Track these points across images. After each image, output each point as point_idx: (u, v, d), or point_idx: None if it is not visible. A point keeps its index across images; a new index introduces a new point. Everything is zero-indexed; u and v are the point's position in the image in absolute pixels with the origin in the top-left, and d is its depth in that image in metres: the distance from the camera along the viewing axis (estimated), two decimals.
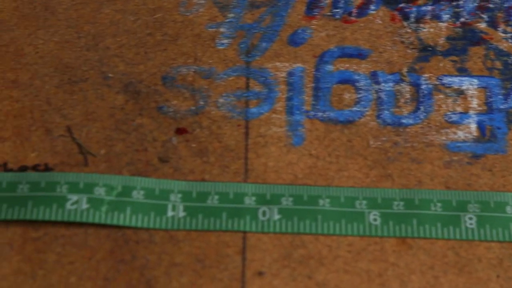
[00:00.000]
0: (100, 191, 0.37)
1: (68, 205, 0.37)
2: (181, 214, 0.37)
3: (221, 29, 0.43)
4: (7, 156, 0.39)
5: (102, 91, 0.41)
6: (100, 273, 0.36)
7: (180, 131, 0.40)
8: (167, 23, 0.44)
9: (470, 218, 0.37)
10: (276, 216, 0.37)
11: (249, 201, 0.38)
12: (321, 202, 0.38)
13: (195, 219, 0.37)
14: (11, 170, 0.38)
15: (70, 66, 0.42)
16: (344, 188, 0.38)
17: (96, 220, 0.37)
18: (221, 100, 0.41)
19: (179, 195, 0.38)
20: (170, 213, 0.37)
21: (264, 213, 0.37)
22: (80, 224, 0.37)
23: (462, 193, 0.38)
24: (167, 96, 0.41)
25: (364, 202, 0.38)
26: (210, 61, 0.42)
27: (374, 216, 0.37)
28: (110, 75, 0.42)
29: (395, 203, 0.38)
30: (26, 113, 0.40)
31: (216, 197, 0.38)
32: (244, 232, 0.37)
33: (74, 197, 0.37)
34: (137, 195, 0.38)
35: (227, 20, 0.44)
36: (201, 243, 0.37)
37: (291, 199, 0.38)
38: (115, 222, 0.37)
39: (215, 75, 0.42)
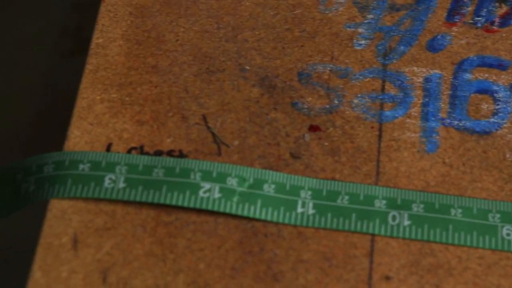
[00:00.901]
0: (232, 182, 0.38)
1: (201, 193, 0.37)
2: (311, 211, 0.37)
3: (360, 30, 0.43)
4: (144, 139, 0.40)
5: (238, 82, 0.42)
6: (228, 262, 0.36)
7: (313, 129, 0.40)
8: (306, 20, 0.44)
9: None
10: (406, 222, 0.37)
11: (379, 204, 0.37)
12: (453, 211, 0.37)
13: (324, 217, 0.37)
14: (147, 153, 0.39)
15: (209, 55, 0.43)
16: (478, 199, 0.38)
17: (227, 210, 0.37)
18: (355, 101, 0.41)
19: (309, 192, 0.38)
20: (299, 210, 0.37)
21: (394, 218, 0.37)
22: (211, 212, 0.37)
23: None
24: (302, 93, 0.41)
25: (498, 215, 0.37)
26: (347, 61, 0.42)
27: (507, 231, 0.37)
28: (247, 67, 0.42)
29: None
30: (164, 99, 0.41)
31: (346, 197, 0.38)
32: (373, 235, 0.37)
33: (207, 185, 0.38)
34: (268, 189, 0.38)
35: (366, 21, 0.43)
36: (329, 242, 0.37)
37: (422, 206, 0.37)
38: (245, 213, 0.37)
39: (351, 75, 0.42)
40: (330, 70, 0.42)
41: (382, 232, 0.37)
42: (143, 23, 0.44)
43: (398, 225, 0.37)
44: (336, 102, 0.41)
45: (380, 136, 0.40)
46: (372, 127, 0.40)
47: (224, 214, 0.37)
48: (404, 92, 0.41)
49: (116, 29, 0.43)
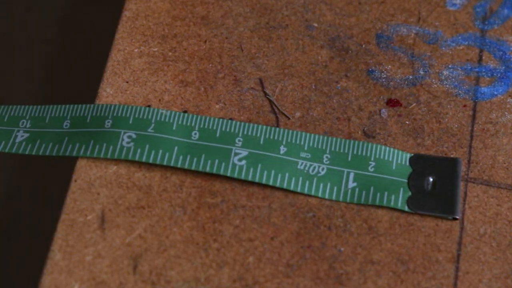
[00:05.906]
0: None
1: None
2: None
3: None
4: (188, 103, 0.39)
5: (303, 42, 0.41)
6: (283, 257, 0.36)
7: (392, 103, 0.39)
8: None
9: None
10: None
11: None
12: None
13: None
14: None
15: (270, 8, 0.42)
16: None
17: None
18: (445, 72, 0.40)
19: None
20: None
21: None
22: (264, 197, 0.37)
23: None
24: (380, 59, 0.41)
25: None
26: (437, 23, 0.42)
27: None
28: (315, 24, 0.41)
29: None
30: (214, 57, 0.41)
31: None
32: (460, 237, 0.36)
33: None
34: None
35: None
36: (406, 241, 0.36)
37: None
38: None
39: (441, 41, 0.41)
40: (415, 34, 0.41)
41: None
42: None
43: None
44: (421, 72, 0.40)
45: (474, 117, 0.39)
46: (465, 106, 0.39)
47: (279, 200, 0.37)
48: (506, 65, 0.41)
49: None
